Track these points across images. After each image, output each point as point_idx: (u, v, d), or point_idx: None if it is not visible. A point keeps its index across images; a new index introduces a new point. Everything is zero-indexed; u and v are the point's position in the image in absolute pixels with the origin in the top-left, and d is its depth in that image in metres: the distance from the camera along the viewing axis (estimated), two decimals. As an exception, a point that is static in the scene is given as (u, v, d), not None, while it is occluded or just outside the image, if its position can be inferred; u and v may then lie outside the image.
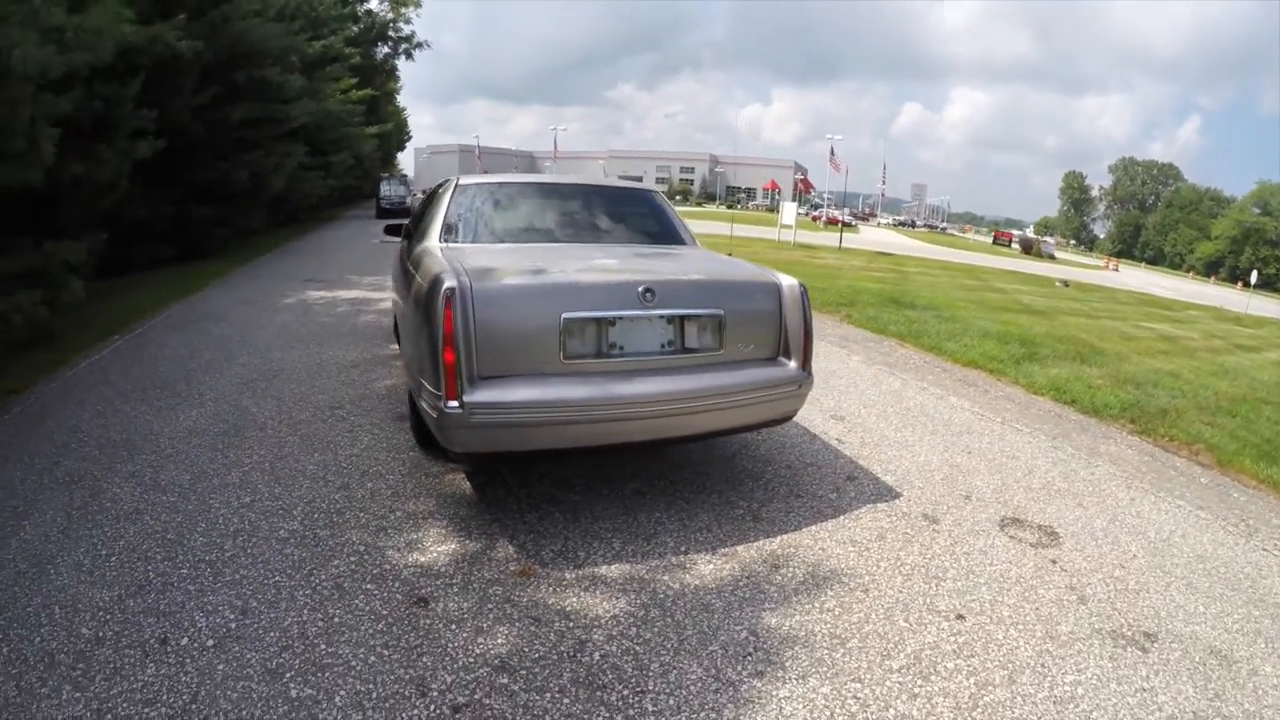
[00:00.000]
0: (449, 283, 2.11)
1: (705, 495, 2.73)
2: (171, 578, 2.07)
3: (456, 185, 3.24)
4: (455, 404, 2.07)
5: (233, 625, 1.86)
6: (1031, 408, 4.48)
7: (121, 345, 4.96)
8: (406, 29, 32.89)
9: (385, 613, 1.91)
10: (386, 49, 32.38)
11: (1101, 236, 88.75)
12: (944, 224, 78.22)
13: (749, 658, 1.80)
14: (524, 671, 1.68)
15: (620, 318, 2.32)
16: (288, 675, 1.67)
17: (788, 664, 1.79)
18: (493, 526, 2.41)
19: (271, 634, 1.82)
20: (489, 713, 1.54)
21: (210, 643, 1.79)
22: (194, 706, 1.57)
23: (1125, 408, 4.46)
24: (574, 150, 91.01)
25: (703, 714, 1.59)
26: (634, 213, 3.44)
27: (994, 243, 48.32)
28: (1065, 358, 5.97)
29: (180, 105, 7.55)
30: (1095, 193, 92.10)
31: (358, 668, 1.69)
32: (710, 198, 79.88)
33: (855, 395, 4.37)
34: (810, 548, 2.41)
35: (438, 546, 2.27)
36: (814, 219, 39.62)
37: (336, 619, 1.88)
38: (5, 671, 1.66)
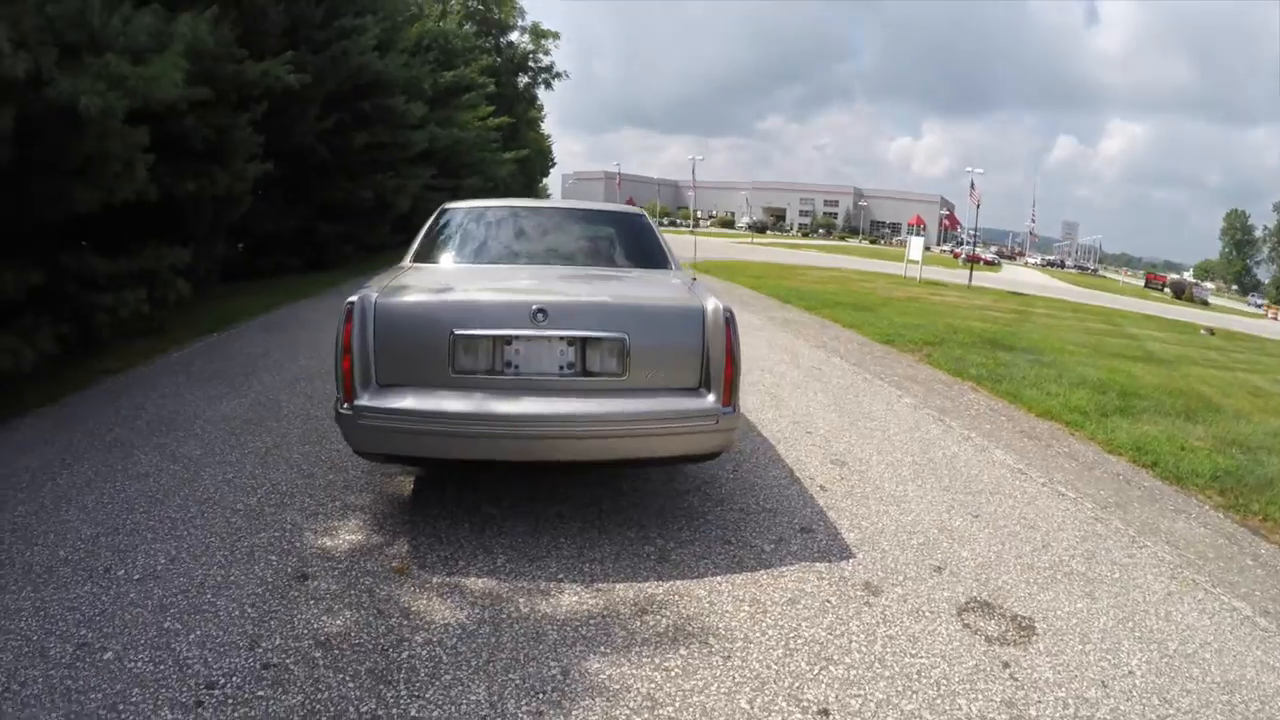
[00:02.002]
0: (352, 297, 2.63)
1: (625, 528, 2.94)
2: (141, 526, 2.76)
3: (441, 209, 3.84)
4: (348, 407, 2.55)
5: (159, 567, 2.47)
6: (1097, 469, 4.17)
7: (214, 341, 6.23)
8: (546, 59, 37.32)
9: (270, 580, 2.42)
10: (526, 78, 36.52)
11: (1266, 281, 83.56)
12: (1094, 265, 78.86)
13: (541, 695, 1.89)
14: (336, 652, 2.05)
15: (516, 337, 2.63)
16: (171, 610, 2.22)
17: (575, 713, 1.84)
18: (403, 526, 2.86)
19: (180, 579, 2.39)
20: (286, 675, 1.94)
21: (137, 576, 2.40)
22: (98, 618, 2.16)
23: (1218, 476, 4.01)
24: (720, 180, 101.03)
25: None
26: (611, 235, 3.82)
27: (1145, 286, 48.93)
28: (1168, 413, 5.50)
29: (304, 131, 9.22)
30: (1260, 233, 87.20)
31: (221, 616, 2.20)
32: (854, 231, 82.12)
33: (876, 440, 4.34)
34: (699, 599, 2.43)
35: (348, 535, 2.76)
36: (954, 255, 40.91)
37: (232, 577, 2.42)
38: (4, 566, 2.39)
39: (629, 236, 3.82)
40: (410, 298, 2.78)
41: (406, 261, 3.49)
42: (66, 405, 4.18)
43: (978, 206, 22.53)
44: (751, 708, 1.93)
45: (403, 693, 1.89)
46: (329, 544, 2.69)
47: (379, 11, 10.79)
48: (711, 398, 2.71)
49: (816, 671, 2.11)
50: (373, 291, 2.70)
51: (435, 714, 1.82)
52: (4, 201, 3.76)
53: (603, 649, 2.13)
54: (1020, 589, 2.68)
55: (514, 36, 36.04)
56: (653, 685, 1.98)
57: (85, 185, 3.96)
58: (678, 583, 2.55)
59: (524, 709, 1.85)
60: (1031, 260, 71.25)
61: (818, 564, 2.75)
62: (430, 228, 3.70)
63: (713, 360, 2.73)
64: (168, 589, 2.34)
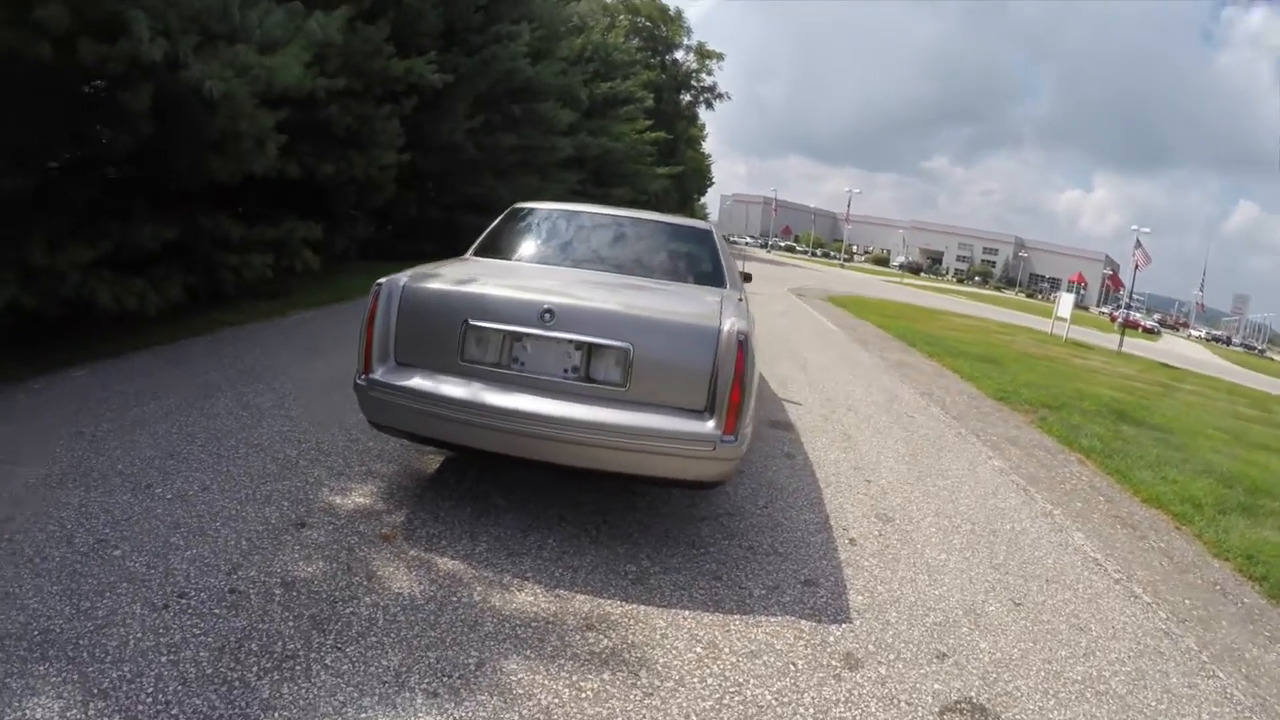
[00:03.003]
0: (382, 279, 2.90)
1: (618, 543, 2.94)
2: (192, 456, 3.22)
3: (513, 209, 4.11)
4: (364, 378, 2.81)
5: (190, 492, 2.87)
6: (1191, 573, 3.64)
7: (332, 310, 7.02)
8: (708, 79, 39.22)
9: (273, 521, 2.73)
10: (688, 97, 38.34)
11: None
12: (1262, 345, 76.63)
13: (445, 678, 1.99)
14: (295, 593, 2.28)
15: (526, 335, 2.76)
16: (182, 529, 2.58)
17: (468, 703, 1.91)
18: (410, 499, 3.08)
19: (201, 506, 2.77)
20: (243, 602, 2.20)
21: (169, 496, 2.81)
22: (123, 523, 2.57)
23: (1337, 602, 3.35)
24: (879, 217, 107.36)
25: (341, 692, 1.88)
26: (670, 248, 3.89)
27: (1316, 373, 43.19)
28: (1301, 518, 4.70)
29: (452, 127, 10.13)
30: None
31: (219, 544, 2.52)
32: (1010, 283, 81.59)
33: (939, 501, 4.06)
34: (653, 629, 2.40)
35: (358, 497, 3.04)
36: (1111, 319, 41.14)
37: (244, 513, 2.76)
38: (71, 468, 2.92)
39: (689, 250, 3.89)
40: (434, 285, 2.99)
41: (468, 254, 3.79)
42: (180, 347, 4.93)
43: (1136, 268, 21.13)
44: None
45: (327, 642, 2.08)
46: (338, 501, 2.98)
47: (535, 20, 11.66)
48: (712, 423, 2.67)
49: (740, 736, 1.96)
50: (403, 276, 2.97)
51: (345, 667, 1.98)
52: (150, 168, 4.56)
53: (528, 652, 2.18)
54: (1031, 700, 2.35)
55: (679, 55, 38.17)
56: (556, 700, 1.99)
57: (221, 159, 4.72)
58: (640, 607, 2.52)
59: (423, 685, 1.96)
60: (1195, 333, 69.20)
61: (803, 621, 2.59)
62: (497, 224, 3.99)
63: (720, 383, 2.68)
64: (189, 511, 2.71)
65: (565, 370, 2.77)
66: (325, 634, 2.11)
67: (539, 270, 3.58)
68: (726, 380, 2.67)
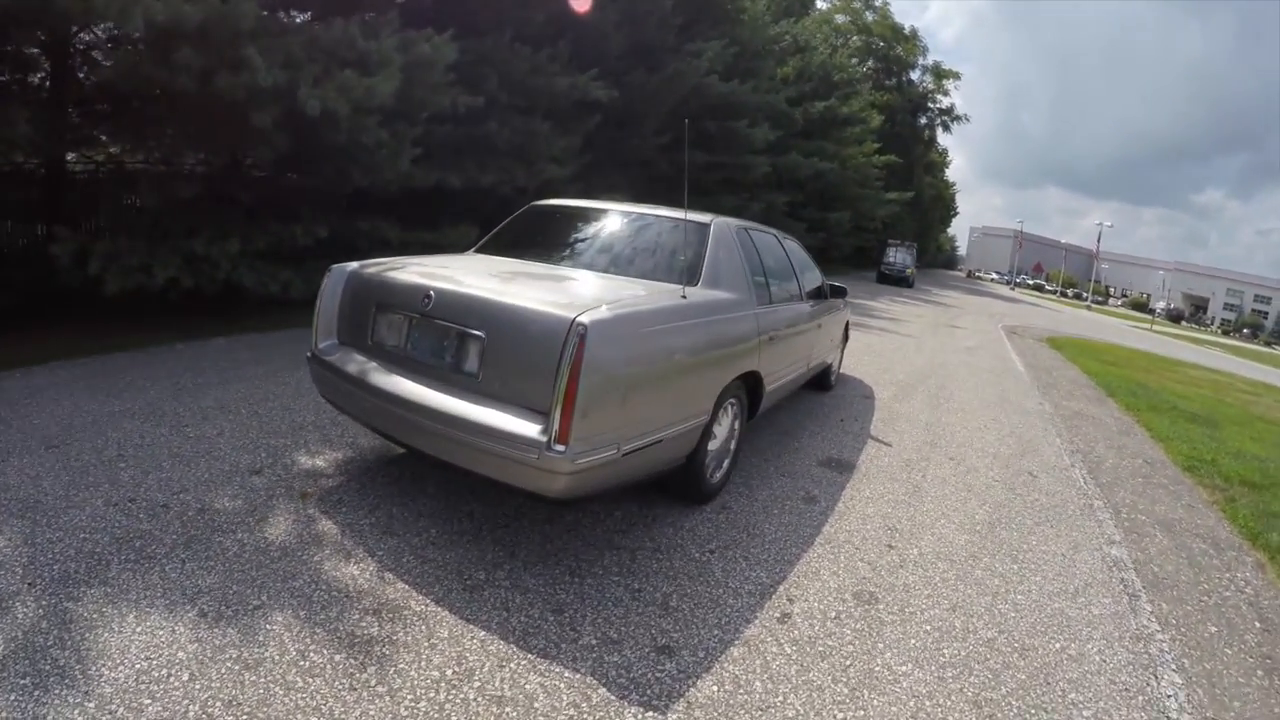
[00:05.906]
0: (331, 267, 3.50)
1: (495, 549, 3.04)
2: (235, 410, 4.33)
3: (528, 206, 4.54)
4: (309, 352, 3.47)
5: (208, 435, 3.91)
6: None
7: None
8: (945, 101, 36.71)
9: (241, 465, 3.60)
10: (924, 119, 36.39)
11: None
12: None
13: (224, 607, 2.45)
14: (200, 518, 3.05)
15: (415, 318, 3.00)
16: (176, 459, 3.57)
17: (215, 630, 2.34)
18: (356, 471, 3.73)
19: (205, 445, 3.78)
20: (164, 514, 3.04)
21: (193, 435, 3.89)
22: (146, 446, 3.64)
23: None
24: (1137, 256, 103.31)
25: (151, 590, 2.49)
26: (651, 241, 3.82)
27: None
28: None
29: (640, 144, 10.90)
30: None
31: (190, 473, 3.45)
32: None
33: (972, 592, 3.22)
34: (430, 636, 2.43)
35: (318, 460, 3.80)
36: None
37: (228, 455, 3.69)
38: (145, 406, 4.11)
39: (675, 244, 3.73)
40: (367, 271, 3.39)
41: (471, 250, 4.28)
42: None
43: None
44: (275, 700, 2.08)
45: (183, 556, 2.77)
46: (300, 460, 3.76)
47: (731, 39, 11.99)
48: (539, 427, 2.56)
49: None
50: (352, 264, 3.53)
51: (172, 576, 2.64)
52: (305, 177, 5.86)
53: (303, 613, 2.48)
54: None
55: (914, 75, 36.72)
56: (276, 656, 2.27)
57: (359, 168, 5.88)
58: (441, 612, 2.56)
59: (202, 604, 2.50)
60: None
61: (601, 690, 2.25)
62: (505, 222, 4.41)
63: (559, 383, 2.54)
64: (194, 448, 3.72)
65: (441, 356, 2.91)
66: (188, 550, 2.83)
67: (491, 263, 3.67)
68: (564, 381, 2.53)
